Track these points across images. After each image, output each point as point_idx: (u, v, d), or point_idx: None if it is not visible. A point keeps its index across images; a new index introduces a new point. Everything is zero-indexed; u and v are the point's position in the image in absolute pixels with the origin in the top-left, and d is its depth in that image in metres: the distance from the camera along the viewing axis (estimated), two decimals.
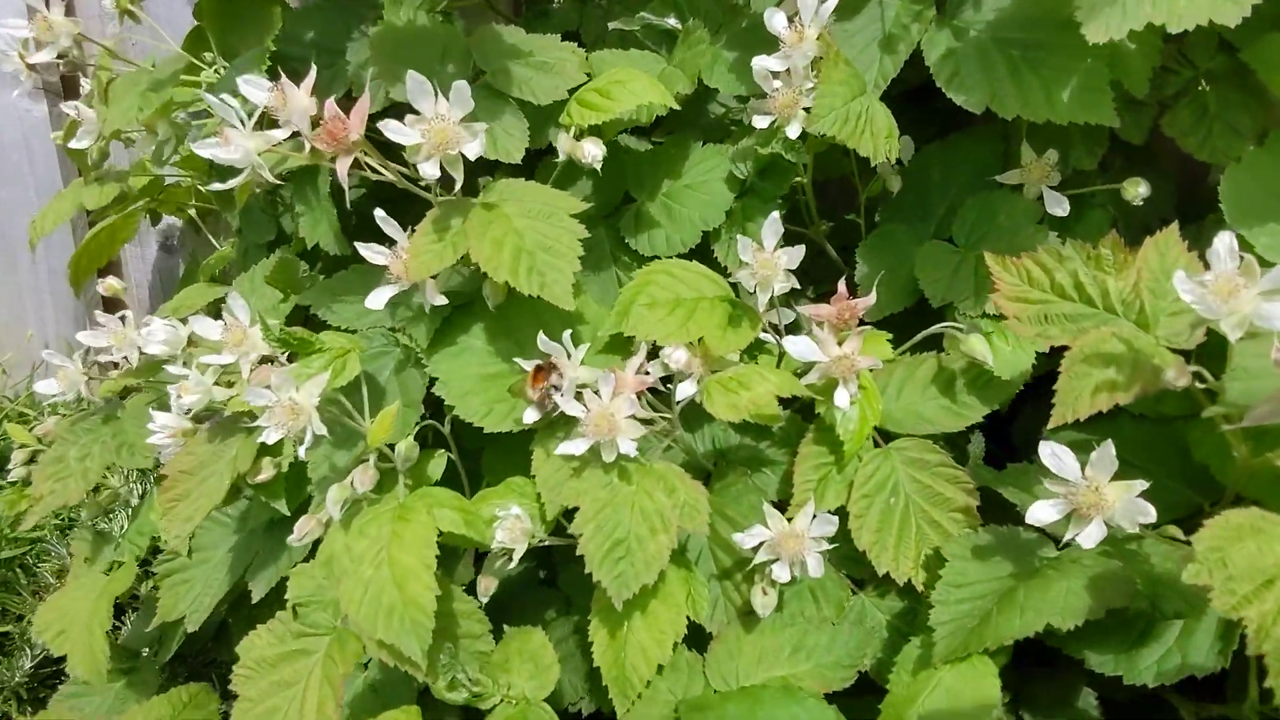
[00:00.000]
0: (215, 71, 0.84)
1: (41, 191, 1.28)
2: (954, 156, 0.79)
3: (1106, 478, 0.48)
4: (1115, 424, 0.61)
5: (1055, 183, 0.72)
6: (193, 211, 1.13)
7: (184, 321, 0.74)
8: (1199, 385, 0.47)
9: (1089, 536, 0.47)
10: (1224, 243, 0.43)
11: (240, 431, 0.73)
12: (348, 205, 0.59)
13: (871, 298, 0.61)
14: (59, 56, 0.77)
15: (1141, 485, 0.47)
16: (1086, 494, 0.48)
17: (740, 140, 0.72)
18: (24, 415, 1.38)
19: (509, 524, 0.54)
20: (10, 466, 0.93)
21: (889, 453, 0.61)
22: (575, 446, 0.52)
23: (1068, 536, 0.50)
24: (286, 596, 0.58)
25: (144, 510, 0.88)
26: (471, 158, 0.55)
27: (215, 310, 0.82)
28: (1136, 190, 0.66)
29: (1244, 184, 0.60)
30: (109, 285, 0.86)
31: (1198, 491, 0.58)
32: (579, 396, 0.53)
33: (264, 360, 0.70)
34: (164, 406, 0.75)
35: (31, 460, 0.92)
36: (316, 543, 0.73)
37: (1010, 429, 0.78)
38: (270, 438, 0.53)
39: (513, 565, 0.54)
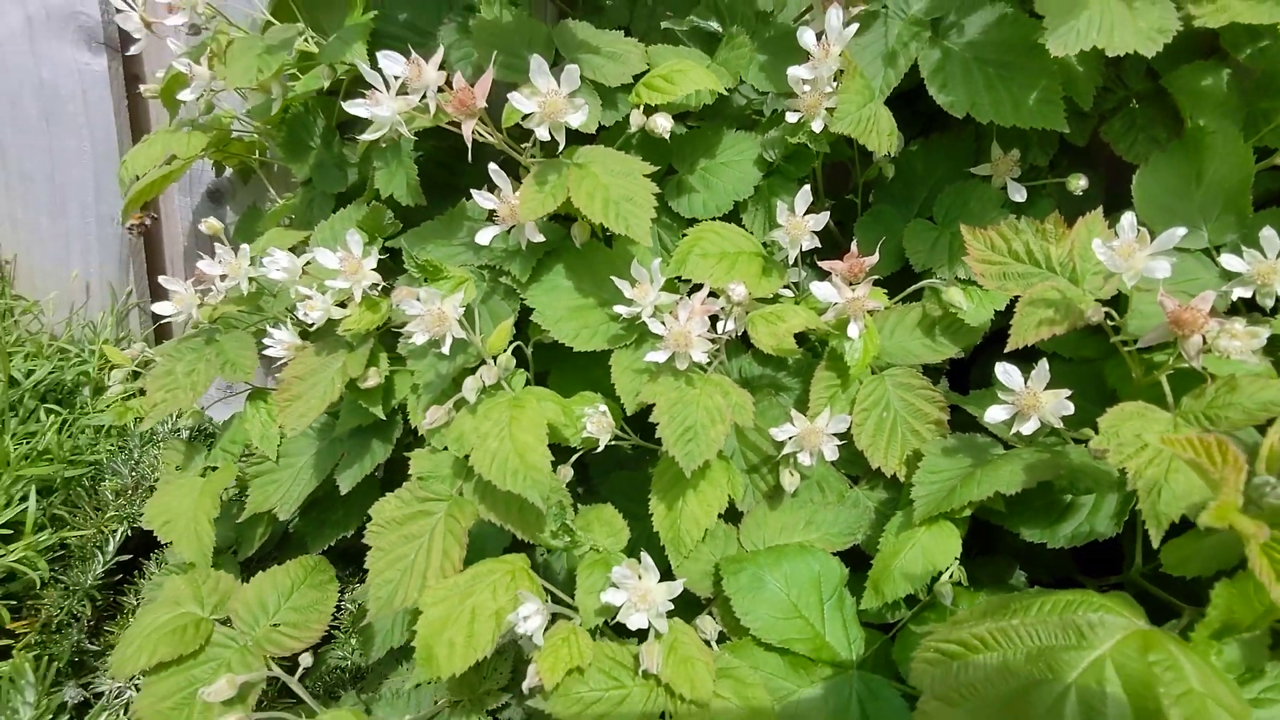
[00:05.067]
0: (306, 40, 0.97)
1: (96, 142, 1.38)
2: (935, 152, 0.97)
3: (1042, 386, 0.66)
4: (1053, 365, 0.80)
5: (1017, 175, 0.90)
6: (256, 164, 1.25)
7: (298, 254, 0.88)
8: (1109, 323, 0.66)
9: (1028, 427, 0.66)
10: (1127, 220, 0.62)
11: (343, 346, 0.87)
12: (468, 159, 0.73)
13: (875, 257, 0.78)
14: (190, 23, 0.89)
15: (1066, 392, 0.65)
16: (1028, 398, 0.66)
17: (768, 130, 0.89)
18: (62, 350, 1.47)
19: (596, 418, 0.70)
20: (109, 384, 1.05)
21: (883, 378, 0.79)
22: (658, 355, 0.68)
23: (1013, 430, 0.68)
24: (410, 472, 0.73)
25: (236, 423, 1.01)
26: (575, 126, 0.70)
27: (298, 252, 0.96)
28: (1078, 183, 0.85)
29: (1148, 183, 0.79)
30: (210, 225, 0.99)
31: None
32: (660, 320, 0.70)
33: (373, 287, 0.84)
34: (275, 326, 0.89)
35: (130, 380, 1.04)
36: (404, 446, 0.89)
37: (969, 375, 0.97)
38: (418, 339, 0.68)
39: (599, 450, 0.70)
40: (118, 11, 0.94)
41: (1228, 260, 0.66)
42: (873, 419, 0.77)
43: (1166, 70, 0.88)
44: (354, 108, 0.71)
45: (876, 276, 0.89)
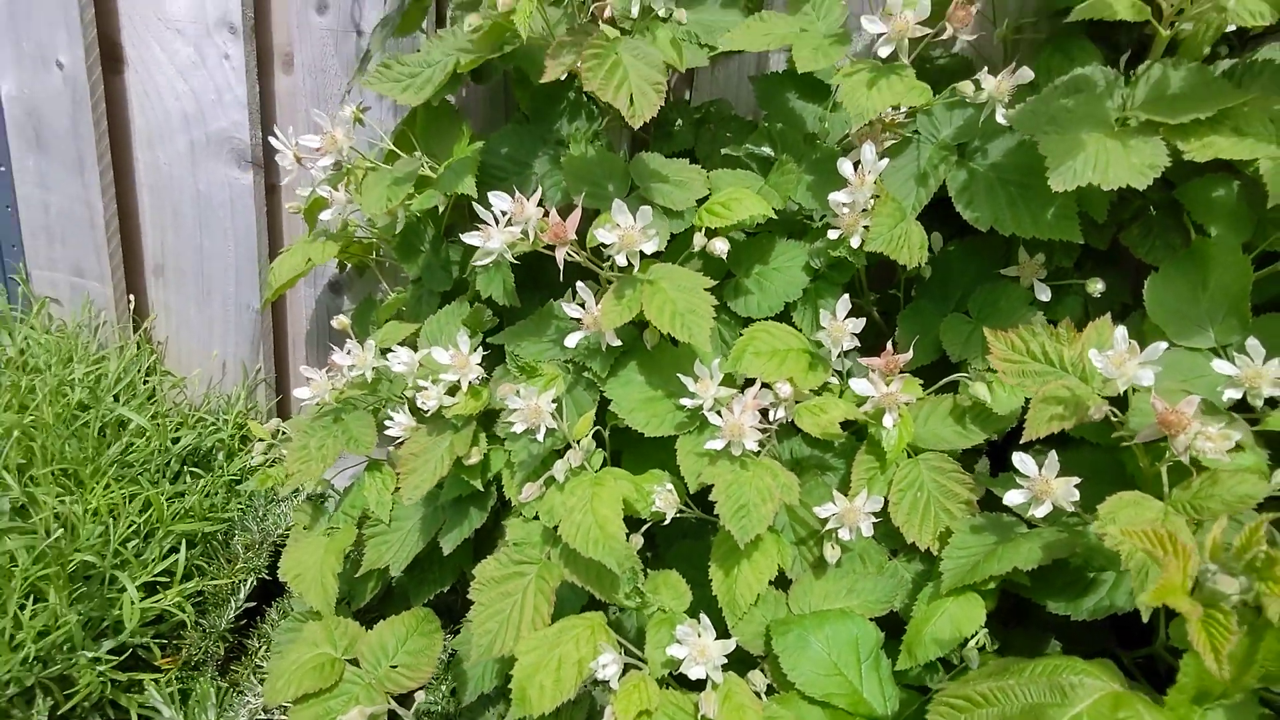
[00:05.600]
0: (423, 165, 1.15)
1: (238, 242, 1.61)
2: (969, 254, 1.08)
3: (1054, 475, 0.75)
4: (1079, 449, 0.89)
5: (1043, 276, 1.00)
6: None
7: (415, 349, 1.05)
8: (1114, 419, 0.75)
9: (1041, 511, 0.75)
10: (1119, 334, 0.72)
11: (450, 428, 1.03)
12: (561, 276, 0.88)
13: (909, 355, 0.89)
14: (335, 160, 1.09)
15: (1074, 480, 0.74)
16: (1041, 485, 0.75)
17: (815, 239, 1.02)
18: (202, 419, 1.69)
19: (664, 495, 0.83)
20: (251, 455, 1.24)
21: (917, 461, 0.89)
22: (717, 443, 0.81)
23: (1030, 513, 0.77)
24: (507, 538, 0.87)
25: (354, 491, 1.18)
26: (649, 253, 0.85)
27: (410, 342, 1.14)
28: (1095, 287, 0.95)
29: (1160, 288, 0.88)
30: (340, 322, 1.18)
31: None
32: (717, 412, 0.83)
33: (479, 379, 1.00)
34: (394, 410, 1.06)
35: (267, 450, 1.23)
36: (496, 513, 1.04)
37: (1007, 455, 1.06)
38: (518, 428, 0.82)
39: (666, 522, 0.83)
40: (276, 152, 1.16)
41: (1218, 365, 0.75)
42: (908, 499, 0.87)
43: (1180, 182, 0.97)
44: (470, 238, 0.88)
45: (917, 365, 1.00)
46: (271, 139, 1.15)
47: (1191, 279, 0.88)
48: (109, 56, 1.59)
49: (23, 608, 1.18)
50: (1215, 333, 0.86)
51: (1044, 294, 0.99)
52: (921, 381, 0.95)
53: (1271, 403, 0.75)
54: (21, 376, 1.44)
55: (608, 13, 0.92)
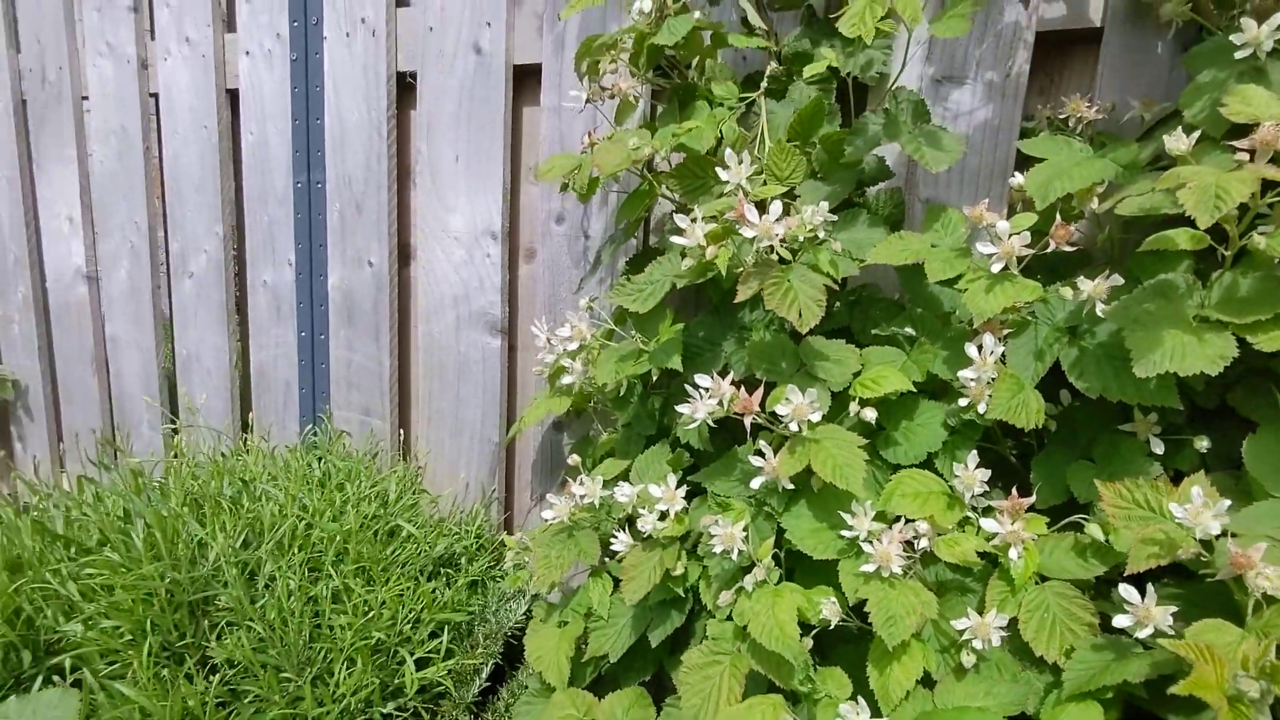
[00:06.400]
0: (638, 341, 1.53)
1: (486, 390, 2.07)
2: (1090, 407, 1.27)
3: (1153, 604, 0.93)
4: (1191, 580, 1.05)
5: (1157, 432, 1.18)
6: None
7: (629, 481, 1.38)
8: (1202, 558, 0.93)
9: (1144, 634, 0.93)
10: (1195, 491, 0.91)
11: (659, 546, 1.34)
12: (748, 436, 1.19)
13: (1033, 498, 1.11)
14: (579, 344, 1.49)
15: (1171, 609, 0.92)
16: (1143, 612, 0.94)
17: (951, 402, 1.27)
18: (450, 529, 2.12)
19: (830, 606, 1.08)
20: (505, 563, 1.61)
21: (1044, 588, 1.09)
22: (869, 568, 1.06)
23: (1136, 635, 0.95)
24: (708, 634, 1.15)
25: (580, 592, 1.51)
26: (815, 422, 1.14)
27: (623, 475, 1.48)
28: (1201, 443, 1.12)
29: (1256, 446, 1.05)
30: (574, 459, 1.55)
31: (1231, 618, 0.99)
32: (870, 542, 1.08)
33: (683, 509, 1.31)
34: (618, 530, 1.39)
35: (516, 557, 1.60)
36: (691, 615, 1.32)
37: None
38: (717, 549, 1.12)
39: (831, 627, 1.08)
40: (547, 340, 1.59)
41: None
42: (1035, 619, 1.06)
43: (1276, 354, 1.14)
44: (681, 408, 1.21)
45: (1050, 503, 1.20)
46: (531, 327, 1.58)
47: None
48: (402, 254, 2.17)
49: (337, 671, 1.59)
50: None
51: (1158, 448, 1.17)
52: (1048, 520, 1.15)
53: None
54: (335, 495, 1.93)
55: (781, 235, 1.26)
